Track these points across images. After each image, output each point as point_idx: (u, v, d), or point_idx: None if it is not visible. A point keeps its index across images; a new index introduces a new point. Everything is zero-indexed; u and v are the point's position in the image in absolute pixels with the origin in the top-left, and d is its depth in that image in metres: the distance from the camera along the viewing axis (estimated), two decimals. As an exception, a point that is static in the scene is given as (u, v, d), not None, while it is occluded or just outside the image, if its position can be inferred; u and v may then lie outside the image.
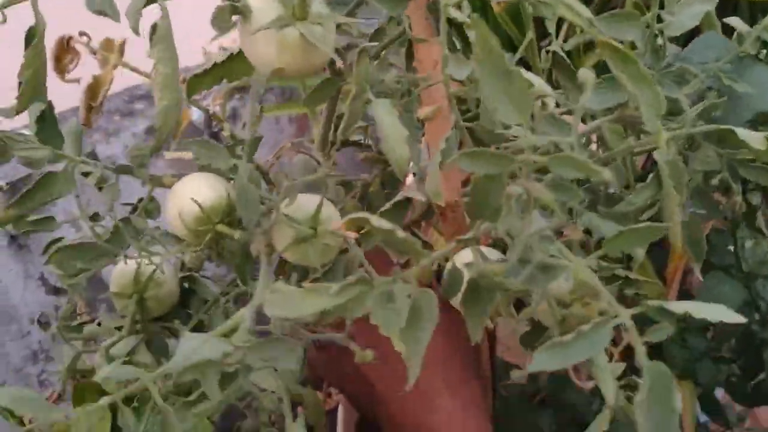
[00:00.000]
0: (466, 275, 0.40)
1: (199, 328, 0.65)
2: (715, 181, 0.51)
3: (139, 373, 0.39)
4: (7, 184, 0.48)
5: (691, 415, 0.74)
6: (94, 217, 0.55)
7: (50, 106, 0.49)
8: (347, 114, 0.43)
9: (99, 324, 0.61)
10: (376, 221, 0.33)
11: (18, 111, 0.42)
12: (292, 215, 0.47)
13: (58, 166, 0.47)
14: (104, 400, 0.39)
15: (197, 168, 0.50)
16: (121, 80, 0.56)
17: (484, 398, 0.57)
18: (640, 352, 0.35)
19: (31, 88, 0.40)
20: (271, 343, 0.37)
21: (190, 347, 0.32)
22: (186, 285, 0.65)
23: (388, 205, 0.47)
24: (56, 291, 0.78)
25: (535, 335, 0.50)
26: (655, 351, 0.38)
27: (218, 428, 0.57)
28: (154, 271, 0.55)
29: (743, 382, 0.73)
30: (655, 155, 0.41)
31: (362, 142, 0.69)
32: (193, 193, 0.44)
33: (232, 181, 0.48)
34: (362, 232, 0.51)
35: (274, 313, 0.32)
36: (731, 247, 0.70)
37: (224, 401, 0.43)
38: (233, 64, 0.55)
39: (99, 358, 0.60)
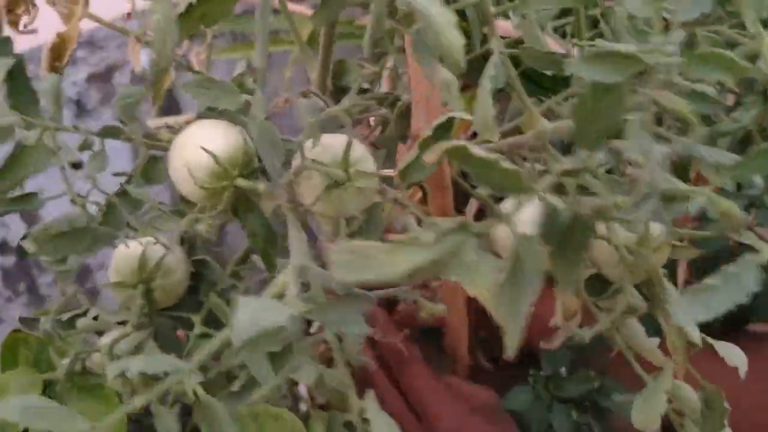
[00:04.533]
0: (566, 214, 0.33)
1: (212, 317, 0.58)
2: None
3: (174, 362, 0.31)
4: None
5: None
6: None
7: (21, 62, 0.40)
8: (374, 13, 0.35)
9: (95, 318, 0.54)
10: (476, 149, 0.26)
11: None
12: (318, 159, 0.40)
13: (30, 135, 0.38)
14: (137, 401, 0.31)
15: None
16: (61, 26, 0.48)
17: None
18: None
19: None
20: (338, 302, 0.30)
21: (249, 316, 0.25)
22: (193, 270, 0.58)
23: (429, 131, 0.39)
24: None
25: (598, 286, 0.44)
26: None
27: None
28: (165, 255, 0.47)
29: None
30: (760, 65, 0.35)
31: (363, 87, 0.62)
32: (205, 143, 0.36)
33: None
34: (401, 169, 0.44)
35: (350, 277, 0.24)
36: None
37: (279, 384, 0.35)
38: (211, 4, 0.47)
39: (101, 357, 0.53)
